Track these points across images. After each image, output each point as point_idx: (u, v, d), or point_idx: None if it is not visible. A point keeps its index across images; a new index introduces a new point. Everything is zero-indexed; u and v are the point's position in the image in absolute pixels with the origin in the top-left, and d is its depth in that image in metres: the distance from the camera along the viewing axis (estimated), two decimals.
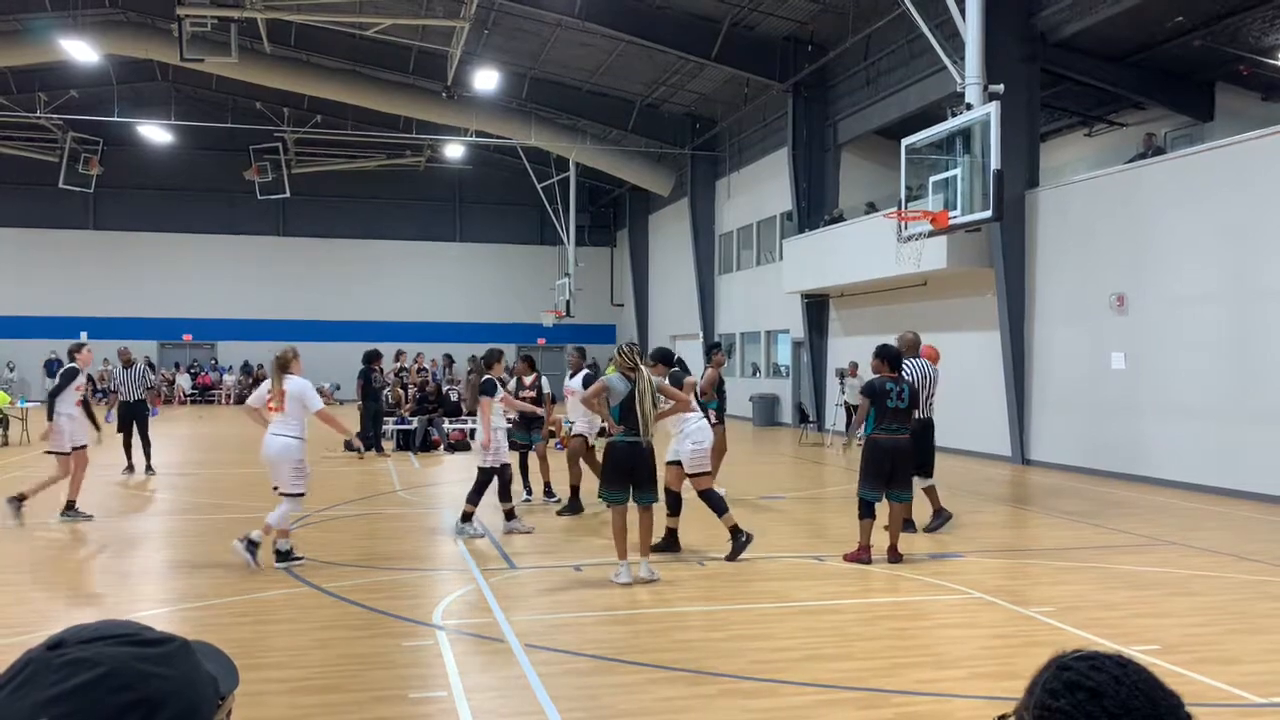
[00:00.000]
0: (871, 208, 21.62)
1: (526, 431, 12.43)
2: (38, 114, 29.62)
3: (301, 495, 8.54)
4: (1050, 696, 1.09)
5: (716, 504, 8.79)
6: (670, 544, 9.02)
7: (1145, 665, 1.12)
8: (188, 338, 37.84)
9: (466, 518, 9.97)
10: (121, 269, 37.27)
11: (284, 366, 8.52)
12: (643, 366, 7.98)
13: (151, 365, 35.25)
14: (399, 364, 23.02)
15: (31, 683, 0.91)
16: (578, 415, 11.72)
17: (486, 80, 25.23)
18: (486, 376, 10.20)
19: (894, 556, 8.66)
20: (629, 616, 6.96)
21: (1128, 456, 14.81)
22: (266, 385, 8.62)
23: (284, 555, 8.38)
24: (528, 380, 12.58)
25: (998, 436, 17.50)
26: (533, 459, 12.55)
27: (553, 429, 19.76)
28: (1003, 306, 17.05)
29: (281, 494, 8.43)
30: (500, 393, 10.35)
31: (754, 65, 23.90)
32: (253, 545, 8.24)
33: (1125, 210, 14.93)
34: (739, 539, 8.70)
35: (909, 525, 10.17)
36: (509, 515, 10.17)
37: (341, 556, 8.90)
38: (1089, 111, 20.58)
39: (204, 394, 36.94)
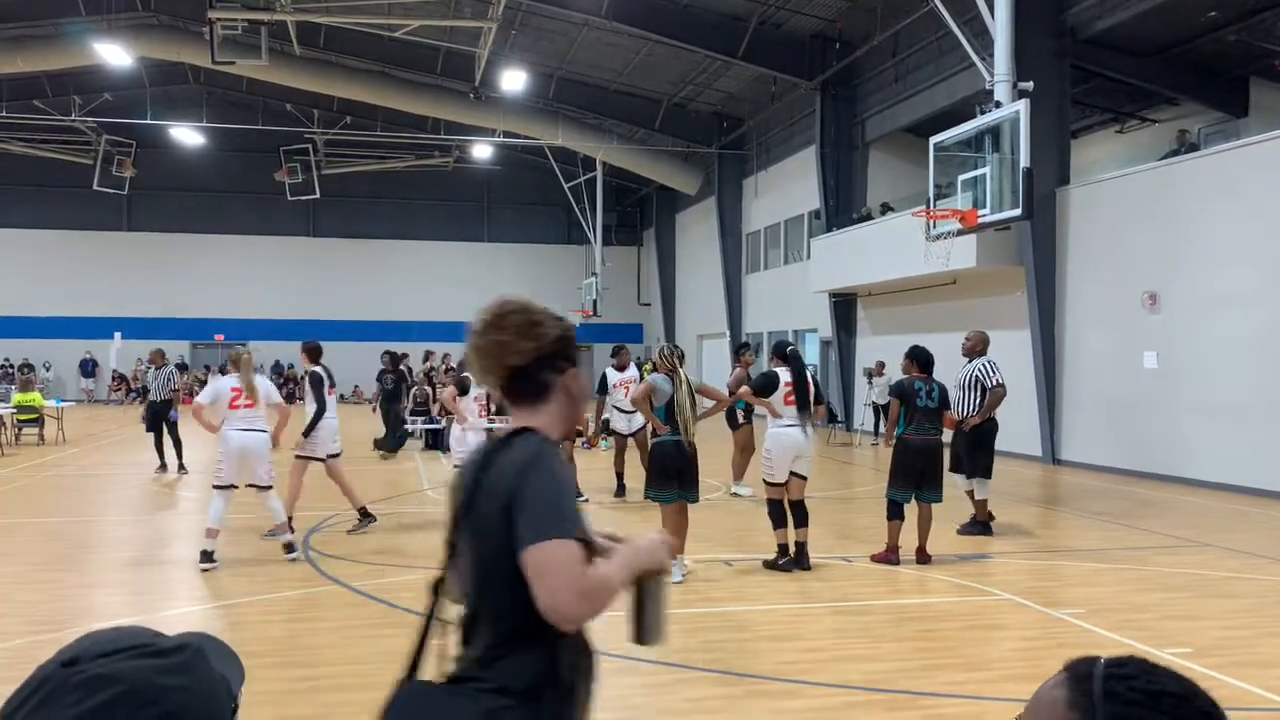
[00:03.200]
0: (887, 208, 21.52)
1: None
2: (73, 117, 30.00)
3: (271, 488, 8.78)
4: (1131, 708, 1.01)
5: (774, 518, 8.51)
6: (782, 559, 8.51)
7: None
8: (220, 338, 38.19)
9: None
10: (154, 270, 37.69)
11: (236, 363, 8.89)
12: (680, 369, 8.05)
13: (183, 367, 35.81)
14: (428, 364, 23.14)
15: (50, 703, 0.89)
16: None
17: (514, 81, 25.29)
18: (464, 374, 10.43)
19: (922, 558, 8.60)
20: None
21: (1160, 457, 14.64)
22: (229, 383, 8.78)
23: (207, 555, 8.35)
24: None
25: (1028, 436, 17.34)
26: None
27: (579, 429, 19.76)
28: (1033, 305, 16.90)
29: (261, 488, 8.72)
30: (475, 391, 10.44)
31: (781, 63, 23.82)
32: (210, 557, 8.31)
33: (1158, 208, 14.76)
34: (779, 559, 8.42)
35: (983, 527, 10.02)
36: None
37: (369, 555, 8.96)
38: (1120, 108, 20.36)
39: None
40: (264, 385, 8.91)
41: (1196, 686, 1.03)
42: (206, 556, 8.29)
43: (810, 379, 8.69)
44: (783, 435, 8.47)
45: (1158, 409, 14.74)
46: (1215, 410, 13.72)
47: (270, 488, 8.75)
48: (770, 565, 8.44)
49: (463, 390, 10.13)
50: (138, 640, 0.97)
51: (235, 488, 8.58)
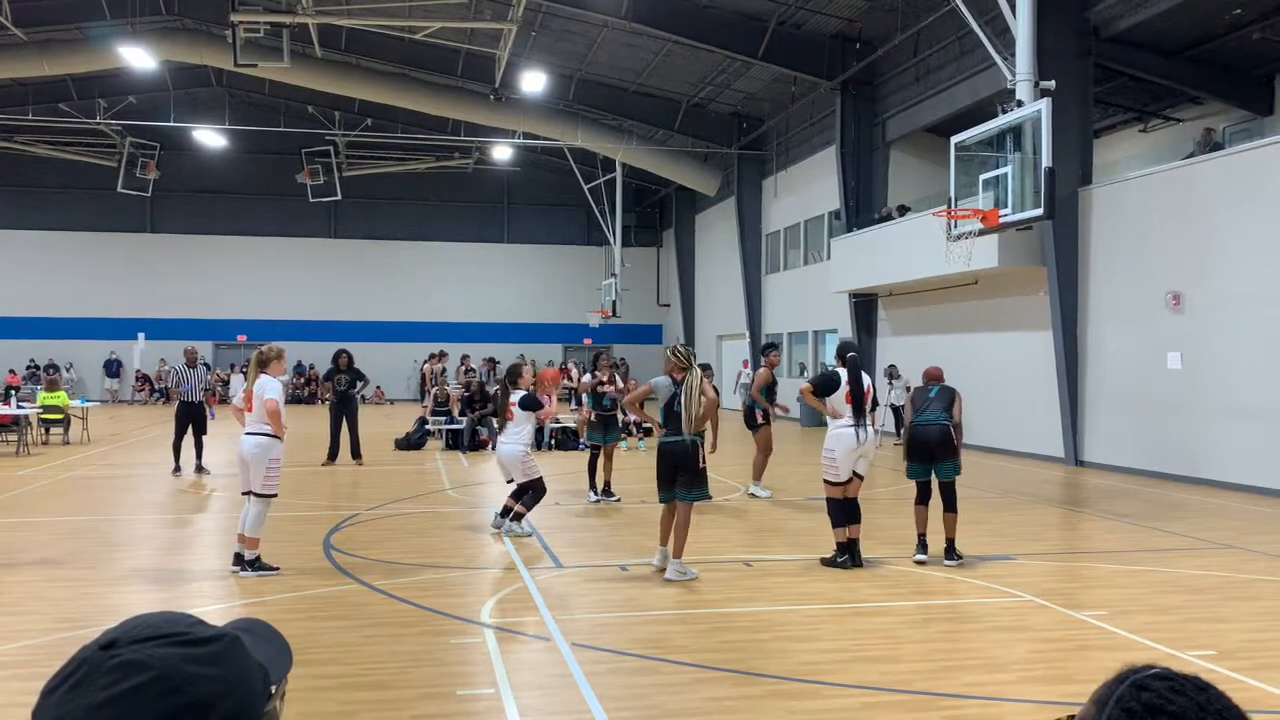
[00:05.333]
0: (904, 209, 21.46)
1: (604, 433, 12.48)
2: (97, 120, 30.30)
3: (274, 497, 8.29)
4: (1127, 716, 1.04)
5: (834, 516, 8.58)
6: (840, 557, 8.56)
7: (1223, 692, 1.06)
8: (242, 338, 38.46)
9: (518, 517, 10.01)
10: (178, 271, 37.99)
11: (263, 364, 8.37)
12: (696, 368, 8.11)
13: (207, 365, 36.10)
14: (441, 365, 23.28)
15: (84, 684, 0.92)
16: None
17: (534, 82, 25.37)
18: (523, 393, 10.12)
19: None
20: (676, 616, 6.97)
21: (1184, 458, 14.52)
22: (242, 383, 8.40)
23: (253, 564, 8.15)
24: (604, 377, 12.78)
25: (1051, 438, 17.24)
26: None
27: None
28: (1055, 306, 16.80)
29: (255, 495, 8.19)
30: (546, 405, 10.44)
31: (801, 63, 23.77)
32: (243, 561, 8.14)
33: (1182, 207, 14.64)
34: (838, 557, 8.49)
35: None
36: (518, 516, 9.98)
37: (391, 555, 9.00)
38: (1144, 107, 20.21)
39: None
40: (259, 386, 8.26)
41: (1206, 714, 1.03)
42: (237, 559, 8.25)
43: (869, 384, 8.74)
44: (844, 435, 8.54)
45: (1181, 410, 14.62)
46: (1240, 411, 13.59)
47: (267, 495, 8.17)
48: (828, 563, 8.52)
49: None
50: (175, 628, 0.98)
51: (249, 494, 8.30)
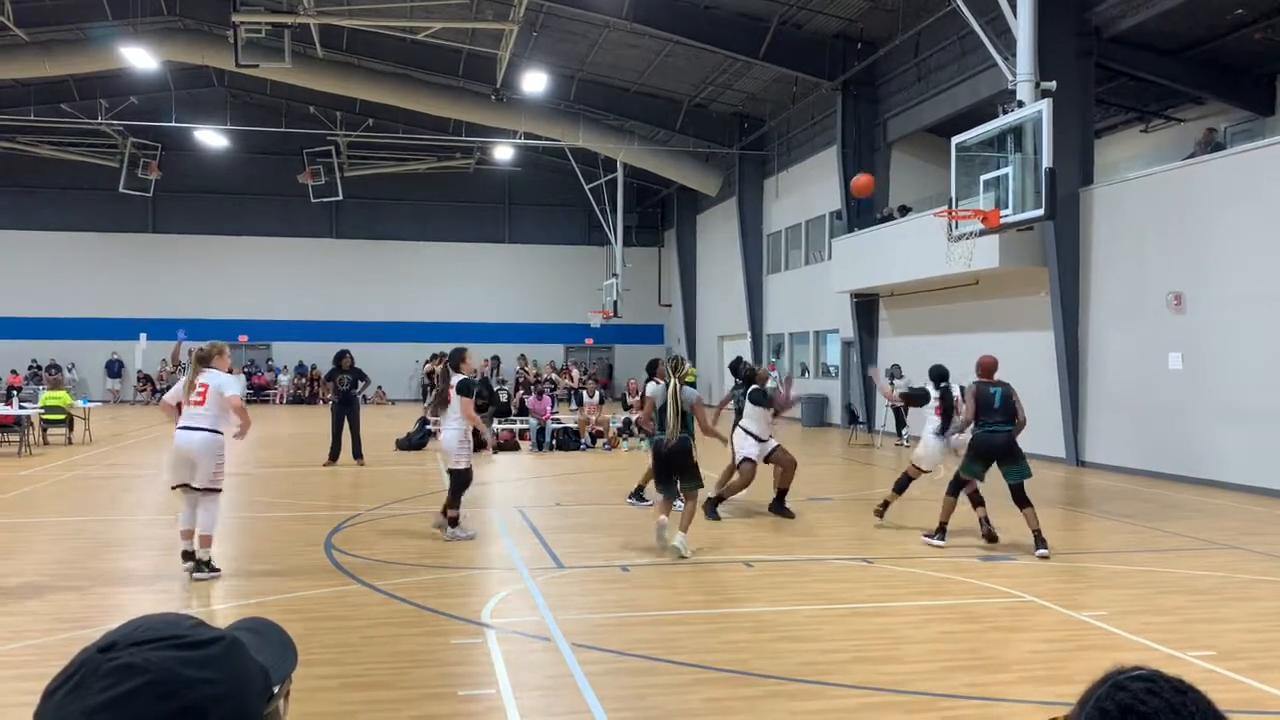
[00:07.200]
0: (905, 210, 21.47)
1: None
2: (99, 120, 30.32)
3: (220, 491, 8.26)
4: (1101, 716, 1.06)
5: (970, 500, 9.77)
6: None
7: (1205, 695, 1.07)
8: (243, 339, 38.47)
9: (454, 522, 9.79)
10: (179, 271, 38.02)
11: (204, 361, 8.30)
12: (673, 377, 8.98)
13: None
14: (443, 365, 23.21)
15: (81, 688, 0.92)
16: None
17: (535, 82, 25.38)
18: (463, 377, 9.86)
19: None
20: (676, 617, 6.98)
21: (1185, 459, 14.52)
22: (182, 381, 8.35)
23: (207, 564, 8.10)
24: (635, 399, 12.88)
25: (1052, 438, 17.23)
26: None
27: (600, 430, 19.82)
28: (1056, 306, 16.80)
29: (204, 490, 8.12)
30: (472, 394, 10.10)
31: (802, 63, 23.79)
32: (204, 565, 8.09)
33: (1183, 207, 14.64)
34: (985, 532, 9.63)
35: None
36: (453, 521, 9.80)
37: (392, 555, 9.01)
38: (1145, 107, 20.20)
39: (259, 394, 37.53)
40: (218, 382, 8.21)
41: (1179, 715, 1.04)
42: (186, 557, 8.16)
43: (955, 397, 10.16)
44: (930, 439, 10.32)
45: (1183, 410, 14.61)
46: (1241, 412, 13.59)
47: (210, 490, 8.10)
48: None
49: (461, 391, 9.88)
50: (174, 630, 0.98)
51: (185, 487, 8.15)
